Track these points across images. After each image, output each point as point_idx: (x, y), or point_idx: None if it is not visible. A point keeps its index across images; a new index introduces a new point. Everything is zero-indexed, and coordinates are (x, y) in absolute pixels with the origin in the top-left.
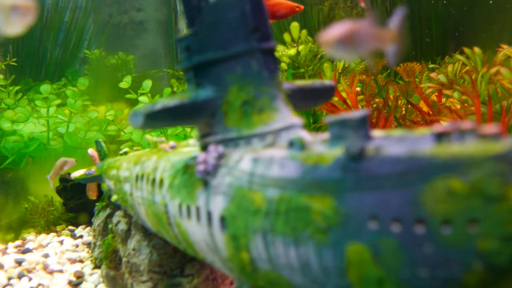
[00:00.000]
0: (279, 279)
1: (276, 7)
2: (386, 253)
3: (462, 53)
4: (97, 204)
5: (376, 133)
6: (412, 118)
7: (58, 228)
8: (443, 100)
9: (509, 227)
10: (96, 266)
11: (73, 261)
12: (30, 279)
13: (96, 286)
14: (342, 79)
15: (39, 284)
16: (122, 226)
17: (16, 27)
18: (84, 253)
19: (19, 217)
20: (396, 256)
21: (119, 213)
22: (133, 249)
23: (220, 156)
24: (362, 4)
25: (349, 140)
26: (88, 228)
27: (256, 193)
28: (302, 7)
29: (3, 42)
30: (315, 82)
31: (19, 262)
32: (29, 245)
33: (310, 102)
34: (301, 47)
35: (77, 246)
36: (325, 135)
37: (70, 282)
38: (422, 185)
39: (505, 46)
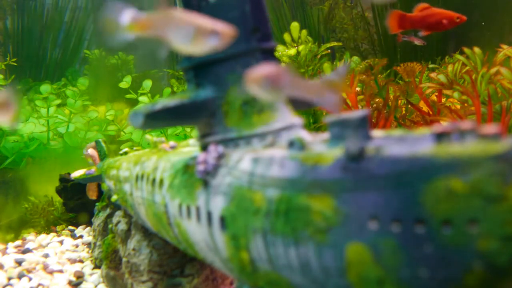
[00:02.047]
0: (279, 279)
1: (434, 17)
2: (386, 253)
3: (462, 53)
4: (97, 204)
5: (376, 133)
6: (412, 118)
7: (58, 228)
8: (443, 100)
9: (509, 227)
10: (96, 266)
11: (73, 261)
12: (30, 279)
13: (96, 286)
14: None
15: (39, 284)
16: (122, 226)
17: (203, 48)
18: (84, 253)
19: (19, 217)
20: (396, 256)
21: (119, 213)
22: (133, 249)
23: (220, 156)
24: (417, 42)
25: (349, 140)
26: (88, 228)
27: (256, 193)
28: (464, 17)
29: (3, 42)
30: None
31: (19, 262)
32: (29, 245)
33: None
34: (301, 47)
35: (77, 246)
36: (325, 135)
37: (70, 282)
38: (422, 185)
39: (505, 46)
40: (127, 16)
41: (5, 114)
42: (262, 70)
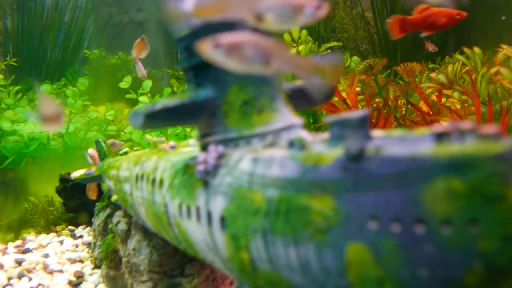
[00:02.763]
0: (279, 279)
1: (434, 16)
2: (386, 253)
3: (462, 53)
4: (97, 204)
5: (376, 133)
6: (412, 118)
7: (58, 228)
8: (443, 100)
9: (509, 227)
10: (96, 266)
11: (73, 261)
12: (30, 279)
13: (96, 286)
14: (342, 79)
15: (39, 284)
16: (122, 226)
17: (299, 23)
18: (84, 253)
19: (19, 217)
20: (396, 256)
21: (119, 213)
22: (133, 249)
23: (220, 156)
24: (431, 48)
25: (349, 140)
26: (88, 228)
27: (256, 193)
28: (465, 13)
29: (3, 42)
30: None
31: (19, 262)
32: (29, 245)
33: (310, 102)
34: (301, 47)
35: (77, 246)
36: (325, 135)
37: (70, 282)
38: (422, 185)
39: (505, 46)
40: (189, 2)
41: (55, 124)
42: (221, 37)
